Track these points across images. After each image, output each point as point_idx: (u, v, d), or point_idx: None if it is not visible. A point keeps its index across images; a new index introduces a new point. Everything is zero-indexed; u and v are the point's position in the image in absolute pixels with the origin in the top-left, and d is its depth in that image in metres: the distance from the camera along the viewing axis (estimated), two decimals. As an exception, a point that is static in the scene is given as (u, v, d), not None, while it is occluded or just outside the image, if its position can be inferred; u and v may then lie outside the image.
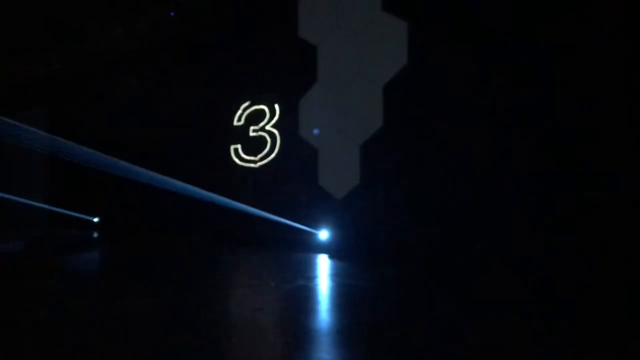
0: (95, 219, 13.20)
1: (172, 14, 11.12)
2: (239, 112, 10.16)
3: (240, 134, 10.12)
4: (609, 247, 5.76)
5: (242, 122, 10.09)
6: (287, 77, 9.30)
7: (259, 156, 9.76)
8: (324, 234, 8.69)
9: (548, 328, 3.92)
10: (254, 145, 9.90)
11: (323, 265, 7.37)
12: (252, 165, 9.90)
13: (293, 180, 9.18)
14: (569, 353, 3.34)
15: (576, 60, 6.13)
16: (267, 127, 9.69)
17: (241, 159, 10.08)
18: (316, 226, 8.77)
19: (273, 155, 9.58)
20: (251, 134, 9.91)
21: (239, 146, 10.15)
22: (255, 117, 9.93)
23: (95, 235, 12.15)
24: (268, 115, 9.71)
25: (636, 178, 5.69)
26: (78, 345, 3.59)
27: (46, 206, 13.61)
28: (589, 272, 5.78)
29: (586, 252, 5.88)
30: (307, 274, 6.63)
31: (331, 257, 8.05)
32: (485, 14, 6.92)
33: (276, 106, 9.60)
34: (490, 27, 6.85)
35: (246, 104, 10.06)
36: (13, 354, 3.42)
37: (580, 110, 6.10)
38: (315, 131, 8.73)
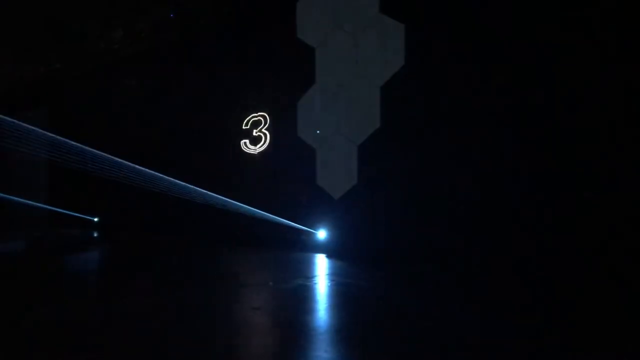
0: (96, 219, 13.22)
1: (171, 15, 11.10)
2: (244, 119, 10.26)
3: (240, 135, 10.16)
4: (609, 247, 5.74)
5: (248, 126, 10.17)
6: (286, 77, 9.29)
7: (259, 145, 9.85)
8: (322, 234, 8.68)
9: (547, 328, 3.91)
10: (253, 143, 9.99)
11: (321, 265, 7.37)
12: (252, 152, 9.99)
13: (292, 181, 9.18)
14: (569, 353, 3.33)
15: (576, 60, 6.11)
16: (264, 130, 9.80)
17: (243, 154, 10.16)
18: (315, 226, 8.76)
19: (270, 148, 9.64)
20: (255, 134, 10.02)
21: (243, 141, 10.23)
22: (255, 122, 10.02)
23: (95, 234, 12.15)
24: (264, 121, 9.83)
25: (636, 178, 5.68)
26: (77, 346, 3.58)
27: (46, 206, 13.62)
28: (588, 272, 5.77)
29: (586, 252, 5.87)
30: (305, 273, 6.63)
31: (329, 256, 8.05)
32: (485, 14, 6.90)
33: (267, 116, 9.77)
34: (491, 27, 6.83)
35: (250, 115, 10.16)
36: (13, 354, 3.41)
37: (580, 110, 6.09)
38: (318, 131, 8.71)
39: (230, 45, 10.33)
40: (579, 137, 6.08)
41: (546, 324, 4.02)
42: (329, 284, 5.82)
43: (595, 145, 5.95)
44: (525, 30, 6.53)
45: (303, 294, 5.34)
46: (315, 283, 5.89)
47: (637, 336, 3.70)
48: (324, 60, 8.65)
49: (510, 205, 6.65)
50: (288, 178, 9.28)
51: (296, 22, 8.93)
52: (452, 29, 7.21)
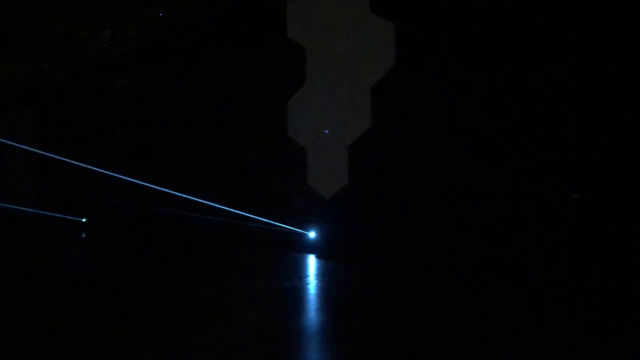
0: (84, 220, 13.05)
1: (160, 14, 10.98)
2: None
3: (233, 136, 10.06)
4: (605, 247, 5.69)
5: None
6: (280, 78, 9.22)
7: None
8: (312, 234, 8.60)
9: (540, 331, 3.83)
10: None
11: (312, 266, 7.38)
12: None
13: (282, 181, 9.10)
14: (569, 353, 3.24)
15: (574, 59, 6.08)
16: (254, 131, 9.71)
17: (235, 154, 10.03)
18: (304, 226, 8.67)
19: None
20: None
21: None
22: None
23: (84, 235, 12.04)
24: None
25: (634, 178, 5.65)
26: (73, 346, 3.49)
27: (36, 208, 13.48)
28: (581, 273, 5.70)
29: (579, 252, 5.82)
30: (296, 274, 6.62)
31: (320, 257, 8.00)
32: (482, 12, 6.86)
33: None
34: (487, 26, 6.79)
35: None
36: (7, 355, 3.31)
37: (577, 110, 6.06)
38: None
39: (227, 46, 10.24)
40: (577, 137, 6.06)
41: (538, 326, 3.97)
42: (319, 285, 5.80)
43: (592, 145, 5.92)
44: (521, 29, 6.51)
45: (293, 295, 5.31)
46: (307, 283, 5.89)
47: (636, 336, 3.61)
48: (314, 60, 8.58)
49: (503, 205, 6.60)
50: (279, 178, 9.19)
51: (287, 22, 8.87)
52: (447, 28, 7.17)
